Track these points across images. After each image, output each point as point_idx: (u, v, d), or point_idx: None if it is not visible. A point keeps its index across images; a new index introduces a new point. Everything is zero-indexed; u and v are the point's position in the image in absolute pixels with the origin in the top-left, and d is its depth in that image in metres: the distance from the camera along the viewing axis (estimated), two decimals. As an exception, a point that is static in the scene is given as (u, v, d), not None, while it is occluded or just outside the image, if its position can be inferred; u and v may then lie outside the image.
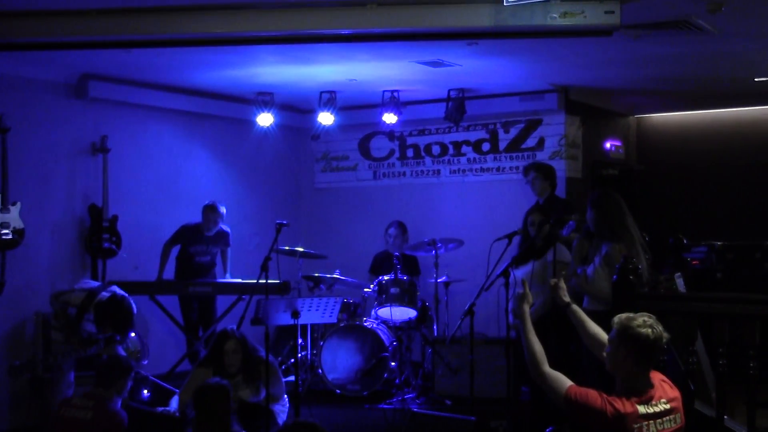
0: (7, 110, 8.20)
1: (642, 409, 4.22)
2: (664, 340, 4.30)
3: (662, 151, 11.67)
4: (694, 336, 5.71)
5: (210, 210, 9.17)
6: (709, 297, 5.90)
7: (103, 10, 6.77)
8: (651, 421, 4.21)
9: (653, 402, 4.26)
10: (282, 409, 7.10)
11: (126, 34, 6.96)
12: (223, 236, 9.34)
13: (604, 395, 4.23)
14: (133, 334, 7.79)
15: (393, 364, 8.79)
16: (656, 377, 4.40)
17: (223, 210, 9.18)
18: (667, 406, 4.30)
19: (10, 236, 8.05)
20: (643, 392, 4.27)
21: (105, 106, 9.20)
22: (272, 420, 6.79)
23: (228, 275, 9.41)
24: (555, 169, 9.08)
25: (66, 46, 7.33)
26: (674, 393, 4.40)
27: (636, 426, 4.17)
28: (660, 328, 4.30)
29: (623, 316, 4.38)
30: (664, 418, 4.26)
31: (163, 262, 9.12)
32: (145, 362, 7.79)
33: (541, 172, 8.82)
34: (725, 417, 5.55)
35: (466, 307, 7.23)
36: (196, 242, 9.20)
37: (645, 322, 4.29)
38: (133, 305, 7.84)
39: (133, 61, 8.37)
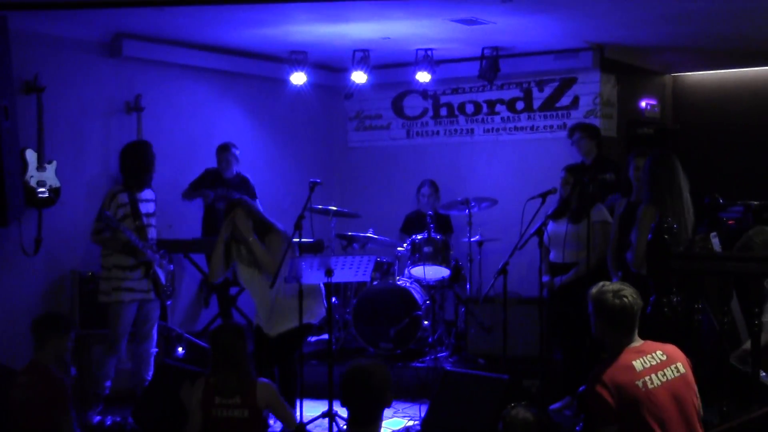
0: (42, 69, 8.24)
1: (638, 364, 4.31)
2: (636, 307, 4.39)
3: (698, 109, 11.55)
4: (729, 296, 5.68)
5: (222, 149, 9.23)
6: (745, 257, 5.85)
7: (137, -31, 6.78)
8: (652, 374, 4.29)
9: (647, 355, 4.36)
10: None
11: (159, -8, 6.96)
12: (243, 182, 9.30)
13: (598, 385, 4.27)
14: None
15: (426, 322, 8.81)
16: (648, 342, 4.49)
17: (236, 151, 9.22)
18: (664, 357, 4.38)
19: (46, 195, 8.13)
20: (633, 350, 4.37)
21: (139, 65, 9.22)
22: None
23: None
24: (600, 129, 9.05)
25: (100, 5, 7.35)
26: (670, 347, 4.48)
27: (638, 383, 4.24)
28: (630, 297, 4.40)
29: (596, 288, 4.51)
30: (665, 369, 4.34)
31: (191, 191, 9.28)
32: (169, 303, 7.77)
33: (587, 132, 8.82)
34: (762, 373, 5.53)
35: (500, 266, 7.24)
36: (217, 185, 9.22)
37: (616, 292, 4.40)
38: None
39: (166, 20, 8.37)
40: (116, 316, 7.37)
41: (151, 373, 7.52)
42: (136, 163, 7.51)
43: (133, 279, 7.35)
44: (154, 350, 7.60)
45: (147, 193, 7.57)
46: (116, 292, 7.34)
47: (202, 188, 9.21)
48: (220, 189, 9.21)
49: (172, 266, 7.70)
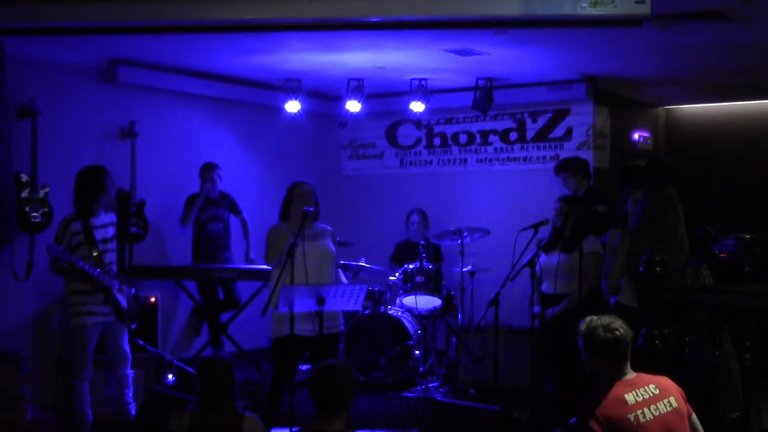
0: (37, 94, 8.26)
1: (630, 398, 4.32)
2: (628, 339, 4.44)
3: (691, 142, 11.59)
4: (720, 329, 5.68)
5: (207, 168, 9.32)
6: (736, 290, 5.87)
7: (133, -5, 6.81)
8: (645, 408, 4.30)
9: (639, 388, 4.37)
10: None
11: (156, 19, 6.97)
12: (226, 198, 9.45)
13: (589, 418, 4.29)
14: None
15: (417, 352, 8.79)
16: (641, 375, 4.51)
17: (218, 169, 9.33)
18: (657, 391, 4.39)
19: (39, 219, 8.11)
20: (626, 383, 4.39)
21: (134, 91, 9.24)
22: None
23: (251, 251, 9.54)
24: (585, 162, 9.06)
25: (96, 31, 7.36)
26: (663, 380, 4.49)
27: (630, 417, 4.25)
28: (621, 329, 4.44)
29: (584, 324, 4.53)
30: (658, 403, 4.35)
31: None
32: (134, 326, 7.72)
33: (570, 170, 8.83)
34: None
35: (492, 297, 7.24)
36: (206, 206, 9.28)
37: (606, 327, 4.43)
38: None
39: (162, 47, 8.40)
40: (81, 341, 7.27)
41: (131, 394, 7.49)
42: (86, 189, 7.42)
43: (94, 303, 7.27)
44: (131, 372, 7.54)
45: (104, 218, 7.44)
46: (77, 317, 7.25)
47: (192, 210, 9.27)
48: (210, 209, 9.24)
49: (133, 290, 7.60)
